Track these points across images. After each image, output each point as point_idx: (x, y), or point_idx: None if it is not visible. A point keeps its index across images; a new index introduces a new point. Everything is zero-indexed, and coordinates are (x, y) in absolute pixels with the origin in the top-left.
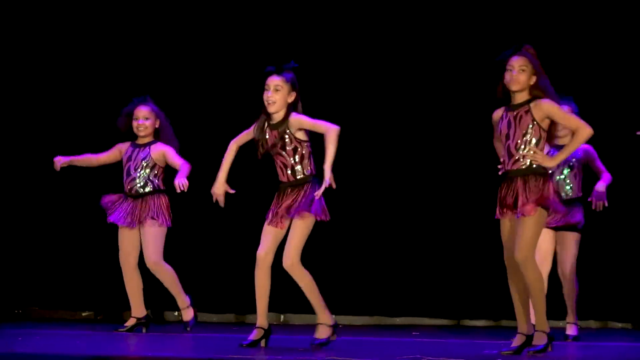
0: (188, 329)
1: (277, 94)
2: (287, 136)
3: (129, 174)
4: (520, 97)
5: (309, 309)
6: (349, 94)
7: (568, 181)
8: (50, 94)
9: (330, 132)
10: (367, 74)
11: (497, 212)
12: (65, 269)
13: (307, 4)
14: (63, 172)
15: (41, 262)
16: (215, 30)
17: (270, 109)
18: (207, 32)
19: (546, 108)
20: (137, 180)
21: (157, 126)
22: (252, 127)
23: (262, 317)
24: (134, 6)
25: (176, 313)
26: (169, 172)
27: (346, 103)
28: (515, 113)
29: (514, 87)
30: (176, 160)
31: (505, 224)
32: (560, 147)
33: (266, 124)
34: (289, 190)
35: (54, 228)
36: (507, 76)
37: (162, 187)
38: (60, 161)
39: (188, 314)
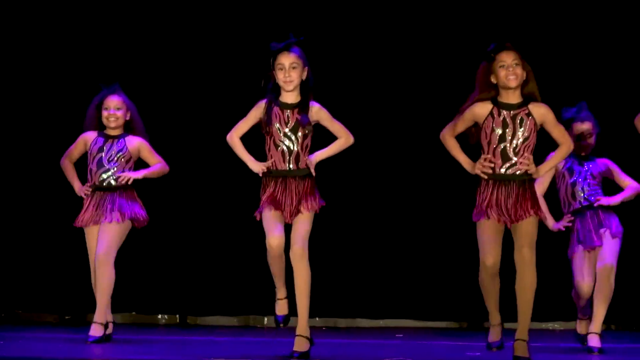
0: (89, 341)
1: (294, 72)
2: (307, 118)
3: (100, 166)
4: (514, 96)
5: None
6: (341, 97)
7: (592, 186)
8: (29, 92)
9: (345, 139)
10: (364, 74)
11: (486, 214)
12: (48, 272)
13: None
14: (44, 174)
15: (24, 264)
16: (193, 19)
17: (288, 88)
18: (184, 21)
19: (544, 112)
20: (111, 172)
21: (127, 118)
22: (251, 112)
23: (283, 288)
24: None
25: (160, 316)
26: (139, 166)
27: (339, 106)
28: (512, 113)
29: (513, 83)
30: (153, 158)
31: (491, 226)
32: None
33: (272, 104)
34: (291, 180)
35: (38, 231)
36: (502, 72)
37: (131, 183)
38: (87, 190)
39: (97, 330)
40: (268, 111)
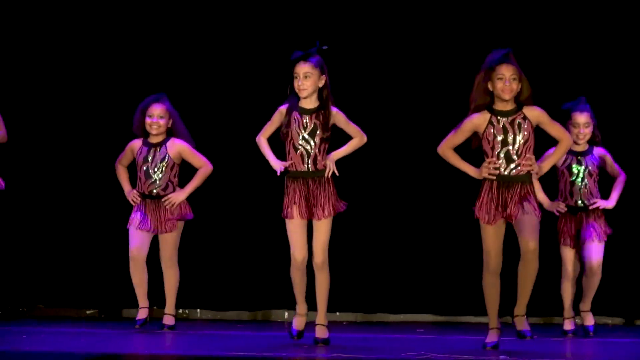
0: (166, 329)
1: (307, 80)
2: (324, 124)
3: (148, 176)
4: (508, 104)
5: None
6: (350, 101)
7: (589, 187)
8: (62, 93)
9: (360, 139)
10: (376, 79)
11: (491, 216)
12: (70, 267)
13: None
14: (68, 171)
15: (46, 260)
16: (227, 29)
17: (302, 95)
18: (219, 32)
19: (538, 114)
20: (158, 183)
21: (169, 126)
22: (274, 116)
23: (303, 304)
24: (146, 6)
25: (180, 311)
26: (184, 169)
27: (350, 109)
28: (509, 119)
29: (507, 96)
30: (195, 160)
31: (495, 228)
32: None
33: (293, 110)
34: (311, 182)
35: (58, 226)
36: (499, 85)
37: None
38: (135, 197)
39: (170, 320)
40: (288, 116)
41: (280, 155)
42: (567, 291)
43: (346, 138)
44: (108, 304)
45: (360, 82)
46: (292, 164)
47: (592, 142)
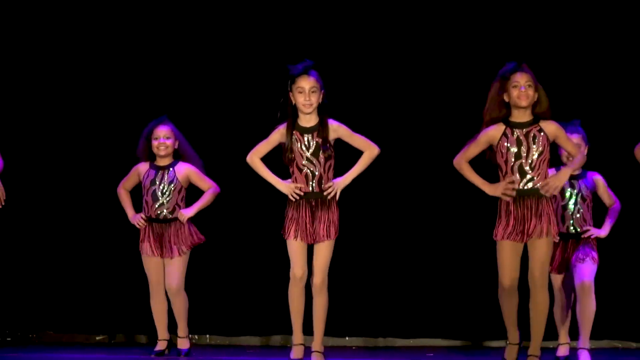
0: (183, 356)
1: (313, 95)
2: (326, 142)
3: (155, 199)
4: (525, 115)
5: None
6: (354, 113)
7: (582, 212)
8: (60, 110)
9: (370, 151)
10: (369, 84)
11: (506, 234)
12: (80, 292)
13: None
14: (76, 196)
15: (55, 285)
16: (224, 46)
17: (307, 110)
18: (215, 49)
19: (555, 129)
20: (166, 206)
21: (176, 147)
22: (272, 135)
23: (300, 333)
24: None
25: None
26: (190, 192)
27: (355, 122)
28: (525, 131)
29: (524, 103)
30: (203, 183)
31: (510, 245)
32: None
33: (293, 129)
34: (314, 203)
35: (68, 251)
36: (515, 92)
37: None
38: (140, 221)
39: (185, 343)
40: (289, 137)
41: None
42: (559, 316)
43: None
44: (118, 329)
45: (369, 93)
46: (300, 187)
47: (586, 167)
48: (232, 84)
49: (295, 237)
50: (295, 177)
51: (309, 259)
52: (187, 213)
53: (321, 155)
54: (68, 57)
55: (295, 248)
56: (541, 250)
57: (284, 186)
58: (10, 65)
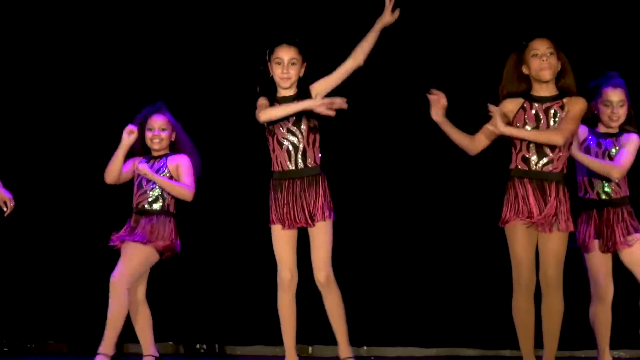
0: None
1: (292, 68)
2: (308, 111)
3: (140, 187)
4: (548, 89)
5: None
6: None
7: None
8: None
9: (353, 60)
10: (370, 79)
11: (514, 216)
12: (81, 302)
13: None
14: (71, 205)
15: (55, 293)
16: (218, 31)
17: (284, 85)
18: (208, 33)
19: (575, 104)
20: (149, 194)
21: (172, 139)
22: (262, 102)
23: (292, 350)
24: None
25: (198, 346)
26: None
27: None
28: (544, 106)
29: (547, 74)
30: (185, 177)
31: (524, 232)
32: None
33: (273, 101)
34: (299, 182)
35: (68, 259)
36: (535, 63)
37: (171, 210)
38: (131, 133)
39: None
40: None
41: (264, 155)
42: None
43: (338, 129)
44: (124, 339)
45: (369, 84)
46: (278, 162)
47: (622, 128)
48: (230, 82)
49: (281, 222)
50: (276, 155)
51: (307, 258)
52: (144, 166)
53: (304, 124)
54: (68, 57)
55: (281, 239)
56: (552, 244)
57: (310, 101)
58: (7, 64)
